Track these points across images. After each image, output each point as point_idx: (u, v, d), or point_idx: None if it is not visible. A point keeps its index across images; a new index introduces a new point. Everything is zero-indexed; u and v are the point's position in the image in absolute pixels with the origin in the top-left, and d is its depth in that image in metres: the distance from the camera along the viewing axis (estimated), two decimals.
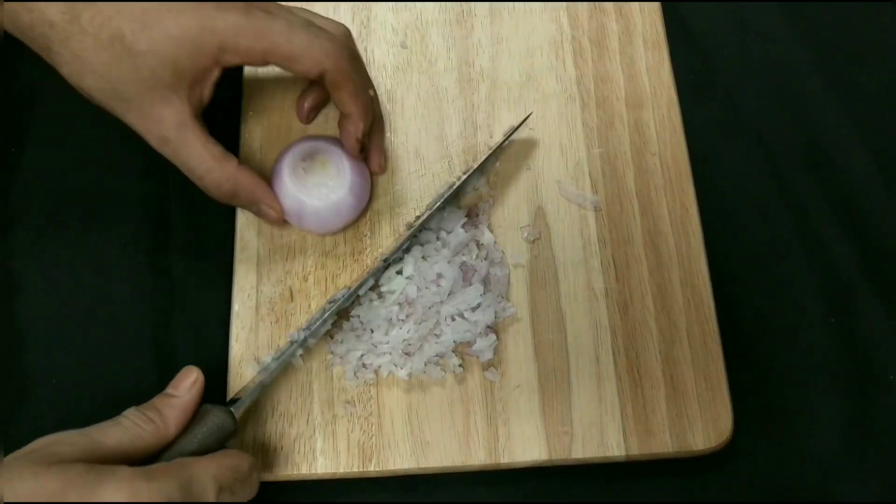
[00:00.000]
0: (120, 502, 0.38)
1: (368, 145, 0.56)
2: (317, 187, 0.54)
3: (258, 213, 0.54)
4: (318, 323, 0.52)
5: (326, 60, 0.49)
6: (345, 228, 0.56)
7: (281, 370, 0.52)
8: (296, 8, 0.52)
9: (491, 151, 0.57)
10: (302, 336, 0.52)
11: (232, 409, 0.47)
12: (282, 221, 0.55)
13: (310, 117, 0.59)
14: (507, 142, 0.58)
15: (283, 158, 0.55)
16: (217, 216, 0.57)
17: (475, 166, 0.57)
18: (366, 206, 0.56)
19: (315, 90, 0.58)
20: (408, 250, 0.54)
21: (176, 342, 0.55)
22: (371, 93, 0.54)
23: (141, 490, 0.39)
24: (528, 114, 0.59)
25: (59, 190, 0.60)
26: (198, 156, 0.50)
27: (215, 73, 0.49)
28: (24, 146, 0.61)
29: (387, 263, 0.54)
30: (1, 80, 0.63)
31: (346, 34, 0.53)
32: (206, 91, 0.50)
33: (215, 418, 0.46)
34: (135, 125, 0.49)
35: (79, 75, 0.47)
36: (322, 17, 0.53)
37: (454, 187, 0.56)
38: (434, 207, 0.55)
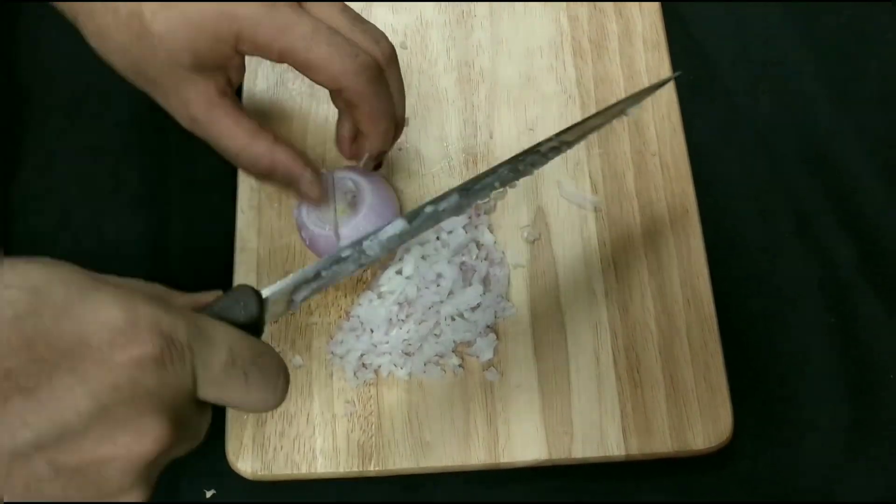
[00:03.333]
0: (111, 322, 0.30)
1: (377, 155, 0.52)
2: (340, 219, 0.51)
3: (297, 193, 0.50)
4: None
5: (343, 78, 0.45)
6: None
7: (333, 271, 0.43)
8: (340, 8, 0.47)
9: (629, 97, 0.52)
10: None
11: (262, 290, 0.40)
12: (321, 201, 0.51)
13: (353, 150, 0.52)
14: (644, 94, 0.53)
15: (299, 206, 0.53)
16: (217, 216, 0.57)
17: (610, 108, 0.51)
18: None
19: (349, 116, 0.51)
20: (408, 250, 0.54)
21: None
22: (398, 115, 0.50)
23: (139, 310, 0.31)
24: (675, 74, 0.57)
25: (59, 190, 0.60)
26: (229, 133, 0.47)
27: (238, 60, 0.47)
28: (23, 150, 0.61)
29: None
30: (1, 82, 0.63)
31: (382, 51, 0.47)
32: (234, 74, 0.48)
33: (240, 291, 0.38)
34: (163, 105, 0.47)
35: (104, 51, 0.46)
36: (366, 24, 0.48)
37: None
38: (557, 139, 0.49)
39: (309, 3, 0.46)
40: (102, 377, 0.29)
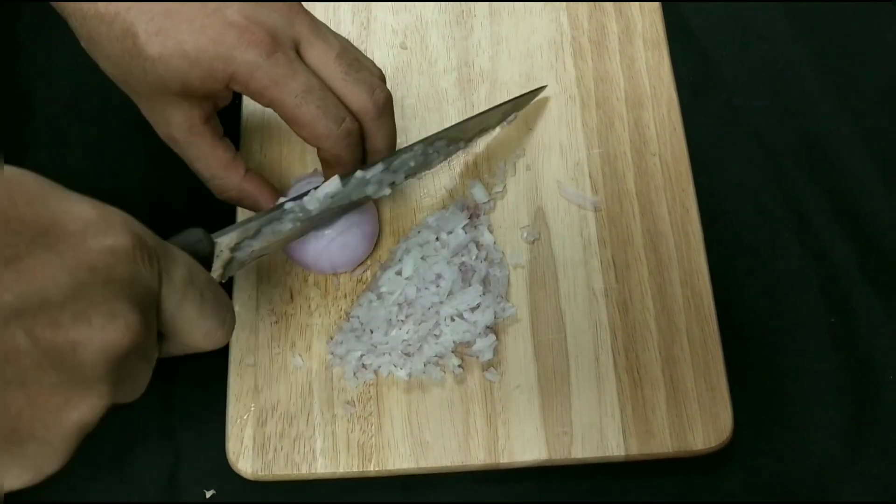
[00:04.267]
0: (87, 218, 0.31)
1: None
2: (315, 233, 0.52)
3: None
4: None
5: (324, 140, 0.47)
6: (360, 262, 0.55)
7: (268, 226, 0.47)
8: (337, 53, 0.47)
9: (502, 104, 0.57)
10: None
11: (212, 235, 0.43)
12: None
13: None
14: (517, 100, 0.58)
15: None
16: (217, 216, 0.57)
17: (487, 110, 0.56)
18: (377, 236, 0.56)
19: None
20: (407, 251, 0.54)
21: None
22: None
23: (111, 211, 0.32)
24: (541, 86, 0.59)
25: None
26: (204, 160, 0.49)
27: (227, 94, 0.48)
28: (22, 150, 0.61)
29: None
30: (1, 82, 0.63)
31: (375, 102, 0.48)
32: (220, 101, 0.49)
33: (192, 231, 0.41)
34: (146, 116, 0.48)
35: (93, 54, 0.46)
36: (361, 71, 0.48)
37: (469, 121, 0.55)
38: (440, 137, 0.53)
39: (306, 48, 0.47)
40: (79, 257, 0.30)
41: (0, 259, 0.28)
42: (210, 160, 0.49)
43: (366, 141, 0.49)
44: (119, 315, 0.30)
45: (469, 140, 0.57)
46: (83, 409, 0.30)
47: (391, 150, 0.51)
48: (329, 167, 0.49)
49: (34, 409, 0.29)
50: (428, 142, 0.52)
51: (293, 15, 0.47)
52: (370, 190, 0.50)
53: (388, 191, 0.51)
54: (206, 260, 0.42)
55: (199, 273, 0.36)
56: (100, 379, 0.30)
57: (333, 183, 0.47)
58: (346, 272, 0.55)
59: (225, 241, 0.44)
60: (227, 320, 0.38)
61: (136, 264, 0.32)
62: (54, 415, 0.30)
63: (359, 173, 0.49)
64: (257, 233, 0.46)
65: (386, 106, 0.49)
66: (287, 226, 0.47)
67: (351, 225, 0.53)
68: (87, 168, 0.60)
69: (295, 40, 0.46)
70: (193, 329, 0.36)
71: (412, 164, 0.52)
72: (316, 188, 0.48)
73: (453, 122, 0.59)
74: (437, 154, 0.54)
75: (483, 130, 0.58)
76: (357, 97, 0.47)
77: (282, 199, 0.49)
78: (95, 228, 0.31)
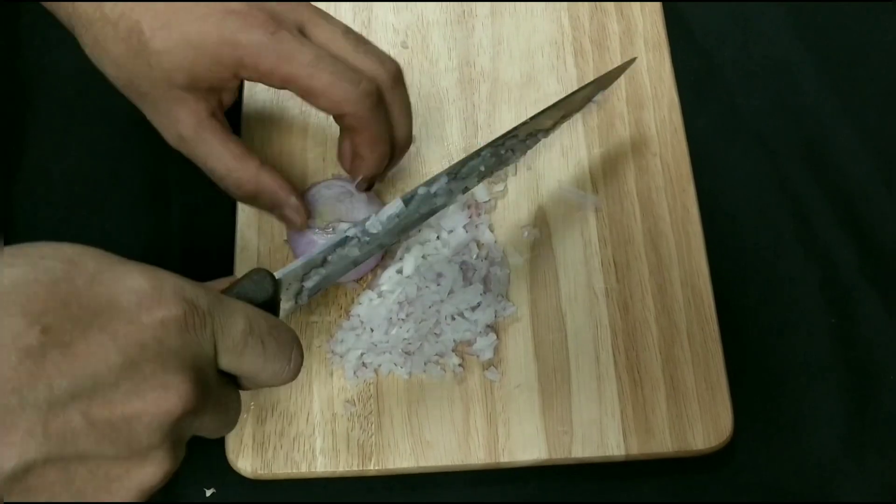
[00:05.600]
0: (140, 287, 0.32)
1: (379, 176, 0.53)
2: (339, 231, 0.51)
3: (281, 218, 0.51)
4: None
5: (345, 105, 0.46)
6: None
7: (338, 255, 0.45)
8: (343, 31, 0.47)
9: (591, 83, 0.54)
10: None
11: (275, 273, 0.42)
12: (305, 227, 0.51)
13: (354, 165, 0.52)
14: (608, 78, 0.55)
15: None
16: (217, 215, 0.57)
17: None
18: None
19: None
20: (408, 249, 0.54)
21: None
22: (403, 135, 0.50)
23: (164, 279, 0.33)
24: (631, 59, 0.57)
25: (59, 190, 0.60)
26: (217, 155, 0.48)
27: (235, 84, 0.47)
28: (23, 150, 0.61)
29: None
30: (1, 82, 0.63)
31: (387, 71, 0.48)
32: (227, 96, 0.48)
33: (254, 273, 0.40)
34: (152, 120, 0.48)
35: (98, 61, 0.46)
36: (369, 45, 0.48)
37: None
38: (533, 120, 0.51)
39: (311, 29, 0.47)
40: (131, 335, 0.31)
41: (58, 345, 0.30)
42: (223, 155, 0.48)
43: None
44: (171, 386, 0.32)
45: (549, 130, 0.53)
46: (143, 477, 0.32)
47: (410, 126, 0.50)
48: (357, 134, 0.48)
49: (97, 481, 0.31)
50: (498, 143, 0.50)
51: (294, 2, 0.47)
52: (439, 202, 0.48)
53: (460, 198, 0.50)
54: (270, 300, 0.40)
55: (258, 322, 0.36)
56: (156, 447, 0.32)
57: (396, 204, 0.46)
58: (353, 280, 0.55)
59: (292, 274, 0.43)
60: (294, 359, 0.38)
61: (188, 332, 0.33)
62: (117, 483, 0.32)
63: (422, 189, 0.47)
64: (324, 262, 0.44)
65: (399, 74, 0.48)
66: (354, 251, 0.46)
67: None
68: (87, 168, 0.60)
69: (298, 23, 0.46)
70: (259, 374, 0.37)
71: (482, 168, 0.49)
72: (378, 211, 0.46)
73: (454, 122, 0.59)
74: (511, 152, 0.51)
75: (565, 117, 0.54)
76: (369, 66, 0.47)
77: (343, 225, 0.50)
78: (149, 301, 0.32)
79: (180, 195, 0.59)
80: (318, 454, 0.51)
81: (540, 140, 0.52)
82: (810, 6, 0.66)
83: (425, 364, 0.52)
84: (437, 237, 0.55)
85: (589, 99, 0.55)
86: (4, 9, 0.64)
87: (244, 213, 0.56)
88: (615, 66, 0.60)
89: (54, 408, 0.29)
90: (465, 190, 0.49)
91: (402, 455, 0.51)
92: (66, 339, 0.30)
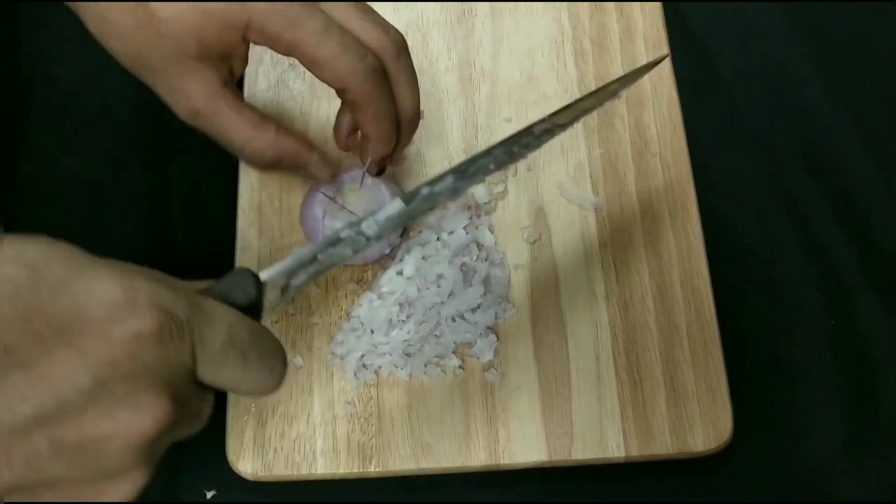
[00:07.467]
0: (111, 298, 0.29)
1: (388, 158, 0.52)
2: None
3: (307, 175, 0.51)
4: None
5: (350, 79, 0.45)
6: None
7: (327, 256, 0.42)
8: (351, 4, 0.47)
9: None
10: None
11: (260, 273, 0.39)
12: (331, 179, 0.52)
13: (349, 142, 0.52)
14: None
15: (310, 209, 0.53)
16: (217, 215, 0.57)
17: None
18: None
19: (349, 111, 0.51)
20: (408, 251, 0.54)
21: None
22: (410, 110, 0.49)
23: (138, 286, 0.30)
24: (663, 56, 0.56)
25: (59, 189, 0.60)
26: (233, 126, 0.47)
27: (243, 49, 0.47)
28: (23, 150, 0.61)
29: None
30: (1, 82, 0.63)
31: (392, 41, 0.47)
32: (237, 64, 0.48)
33: (237, 274, 0.37)
34: (163, 96, 0.47)
35: (105, 37, 0.45)
36: (376, 15, 0.47)
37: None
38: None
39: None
40: (101, 352, 0.28)
41: (21, 365, 0.27)
42: (239, 124, 0.47)
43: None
44: (145, 407, 0.29)
45: (566, 126, 0.50)
46: (118, 495, 0.30)
47: (417, 100, 0.49)
48: (360, 110, 0.47)
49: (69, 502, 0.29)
50: (511, 141, 0.47)
51: None
52: (442, 200, 0.45)
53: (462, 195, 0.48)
54: (253, 304, 0.37)
55: (240, 330, 0.33)
56: (130, 467, 0.30)
57: (395, 205, 0.43)
58: (374, 261, 0.55)
59: (279, 275, 0.40)
60: (276, 369, 0.35)
61: (164, 346, 0.30)
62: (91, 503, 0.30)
63: (425, 189, 0.44)
64: (314, 260, 0.41)
65: (403, 45, 0.48)
66: (346, 251, 0.42)
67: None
68: (87, 168, 0.60)
69: None
70: (240, 384, 0.34)
71: (492, 167, 0.47)
72: (375, 212, 0.43)
73: (454, 121, 0.59)
74: (525, 148, 0.48)
75: (585, 112, 0.51)
76: (374, 35, 0.46)
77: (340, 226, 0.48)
78: (121, 313, 0.29)
79: (180, 195, 0.59)
80: (319, 456, 0.51)
81: (556, 135, 0.50)
82: (810, 6, 0.66)
83: (425, 366, 0.52)
84: (438, 238, 0.55)
85: (614, 94, 0.52)
86: (4, 9, 0.64)
87: (244, 214, 0.56)
88: (615, 64, 0.61)
89: (17, 434, 0.27)
90: (466, 188, 0.47)
91: (403, 457, 0.51)
92: (30, 359, 0.27)
